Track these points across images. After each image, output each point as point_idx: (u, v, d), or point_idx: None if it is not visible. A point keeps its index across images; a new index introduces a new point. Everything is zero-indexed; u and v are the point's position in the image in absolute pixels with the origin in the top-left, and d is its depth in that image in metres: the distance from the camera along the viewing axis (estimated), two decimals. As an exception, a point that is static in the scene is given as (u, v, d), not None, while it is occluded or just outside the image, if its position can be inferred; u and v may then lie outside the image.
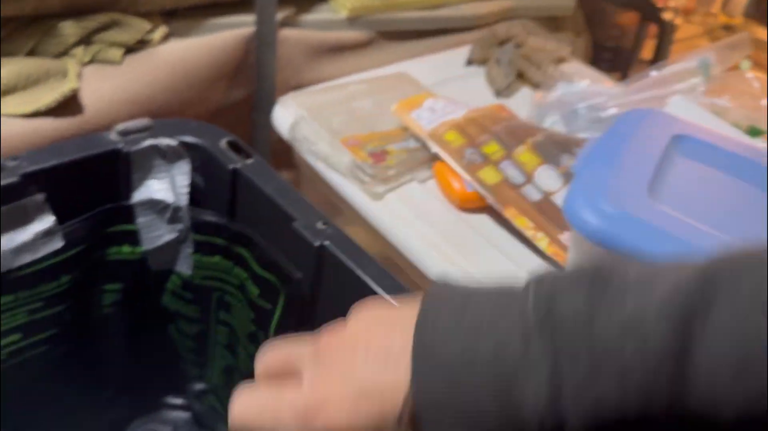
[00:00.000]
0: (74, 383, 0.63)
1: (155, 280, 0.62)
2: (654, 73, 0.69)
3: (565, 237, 0.55)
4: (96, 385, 0.66)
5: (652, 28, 1.33)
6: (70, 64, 0.61)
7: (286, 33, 0.76)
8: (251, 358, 0.60)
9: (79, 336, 0.60)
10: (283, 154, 0.76)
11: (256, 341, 0.58)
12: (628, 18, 1.37)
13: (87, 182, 0.55)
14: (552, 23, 1.07)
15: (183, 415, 0.73)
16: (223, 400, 0.67)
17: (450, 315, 0.26)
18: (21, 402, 0.59)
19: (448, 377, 0.25)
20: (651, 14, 1.31)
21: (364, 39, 0.83)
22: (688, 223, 0.39)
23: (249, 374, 0.61)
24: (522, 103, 0.75)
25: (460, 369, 0.25)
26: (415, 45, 0.87)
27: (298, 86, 0.78)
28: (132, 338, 0.65)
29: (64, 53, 0.63)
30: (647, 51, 1.36)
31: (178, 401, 0.73)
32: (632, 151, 0.45)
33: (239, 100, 0.78)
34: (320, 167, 0.62)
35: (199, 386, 0.69)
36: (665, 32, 1.34)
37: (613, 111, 0.69)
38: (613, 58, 1.35)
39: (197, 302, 0.62)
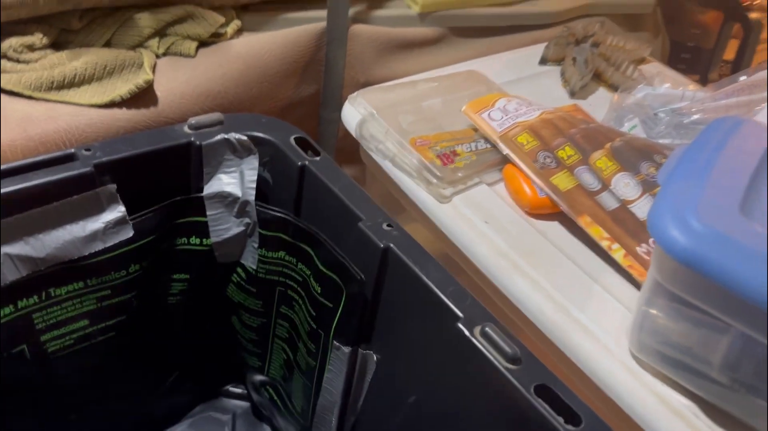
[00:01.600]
0: (139, 368, 0.64)
1: (221, 272, 0.62)
2: (743, 78, 0.65)
3: (642, 249, 0.53)
4: (159, 371, 0.67)
5: (736, 28, 1.26)
6: (146, 55, 0.62)
7: (357, 29, 0.75)
8: (310, 355, 0.60)
9: (146, 324, 0.61)
10: (349, 150, 0.76)
11: (316, 339, 0.58)
12: (711, 17, 1.30)
13: (158, 173, 0.56)
14: (630, 21, 1.02)
15: (242, 404, 0.74)
16: (281, 393, 0.67)
17: None
18: (88, 384, 0.61)
19: None
20: (735, 13, 1.24)
21: (436, 36, 0.81)
22: (784, 245, 0.36)
23: (306, 370, 0.61)
24: (598, 105, 0.72)
25: None
26: (487, 42, 0.85)
27: (366, 83, 0.78)
28: (196, 327, 0.66)
29: (139, 45, 0.64)
30: (729, 52, 1.29)
31: (238, 390, 0.74)
32: (723, 164, 0.42)
33: (308, 96, 0.77)
34: (387, 165, 0.61)
35: (258, 377, 0.69)
36: (750, 33, 1.27)
37: (697, 117, 0.65)
38: (693, 59, 1.28)
39: (260, 295, 0.62)
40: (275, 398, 0.69)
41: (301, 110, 0.77)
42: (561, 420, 0.40)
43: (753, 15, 1.29)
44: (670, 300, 0.43)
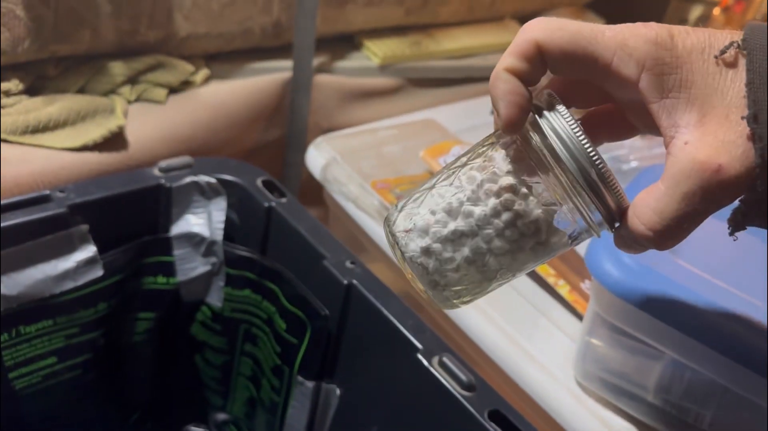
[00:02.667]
0: (102, 408, 0.65)
1: (186, 310, 0.64)
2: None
3: (585, 285, 0.57)
4: (122, 411, 0.67)
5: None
6: (118, 101, 0.65)
7: (321, 78, 0.80)
8: (274, 390, 0.62)
9: (111, 362, 0.62)
10: (312, 191, 0.79)
11: (280, 374, 0.60)
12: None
13: (129, 214, 0.58)
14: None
15: (204, 445, 0.74)
16: (244, 431, 0.69)
17: None
18: (53, 422, 0.61)
19: None
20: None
21: (394, 85, 0.86)
22: (709, 281, 0.40)
23: (270, 406, 0.62)
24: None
25: None
26: (443, 92, 0.90)
27: (329, 128, 0.82)
28: (160, 365, 0.67)
29: (111, 91, 0.67)
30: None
31: (199, 430, 0.75)
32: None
33: (273, 140, 0.81)
34: (350, 207, 0.64)
35: (221, 416, 0.70)
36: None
37: (635, 164, 0.71)
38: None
39: (225, 333, 0.64)
40: (238, 436, 0.70)
41: (267, 153, 0.80)
42: (512, 443, 0.43)
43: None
44: (609, 330, 0.47)
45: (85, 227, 0.54)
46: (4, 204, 0.52)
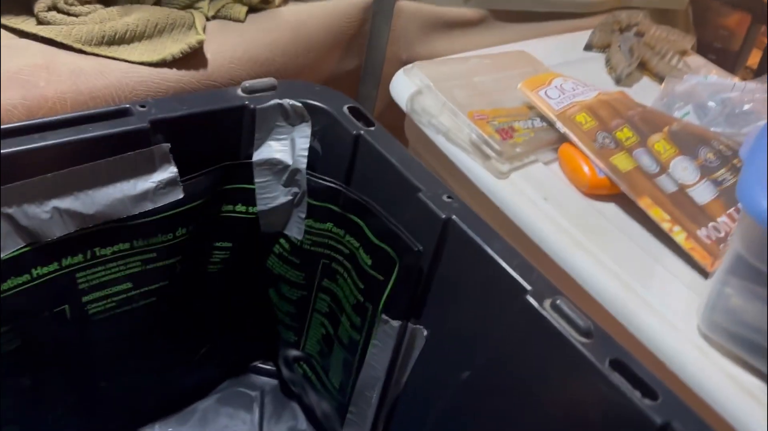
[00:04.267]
0: (172, 339, 0.63)
1: (264, 242, 0.61)
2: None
3: (702, 233, 0.52)
4: (192, 342, 0.65)
5: (763, 32, 1.26)
6: (197, 16, 0.61)
7: (403, 5, 0.74)
8: (354, 328, 0.58)
9: (185, 291, 0.59)
10: (386, 128, 0.75)
11: (362, 312, 0.57)
12: (737, 19, 1.31)
13: (210, 136, 0.54)
14: (662, 17, 1.02)
15: (271, 381, 0.72)
16: (316, 369, 0.66)
17: None
18: (122, 352, 0.59)
19: None
20: (762, 16, 1.24)
21: (477, 17, 0.80)
22: None
23: (348, 344, 0.59)
24: (643, 93, 0.72)
25: None
26: (527, 27, 0.84)
27: (408, 61, 0.76)
28: (233, 298, 0.64)
29: (190, 6, 0.62)
30: (752, 58, 1.29)
31: (268, 367, 0.73)
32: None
33: (348, 71, 0.76)
34: (440, 140, 0.60)
35: (293, 352, 0.68)
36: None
37: (748, 107, 0.65)
38: (718, 60, 1.28)
39: (303, 267, 0.61)
40: (309, 374, 0.67)
41: (342, 85, 0.75)
42: (638, 394, 0.39)
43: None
44: (746, 279, 0.42)
45: (166, 146, 0.51)
46: (81, 116, 0.49)
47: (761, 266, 0.40)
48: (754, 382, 0.43)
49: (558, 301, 0.43)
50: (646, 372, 0.41)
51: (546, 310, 0.44)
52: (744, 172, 0.39)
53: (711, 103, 0.65)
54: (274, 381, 0.73)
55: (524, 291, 0.45)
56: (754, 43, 1.30)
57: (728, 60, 1.31)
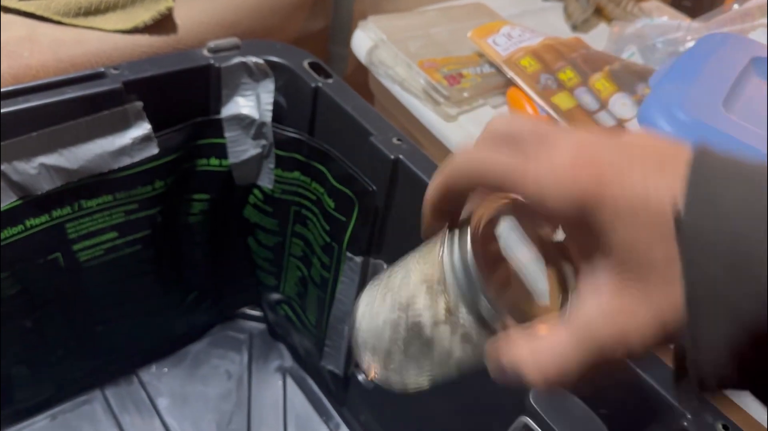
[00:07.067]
0: (161, 286, 0.68)
1: (239, 193, 0.66)
2: (736, 6, 0.67)
3: (635, 162, 0.56)
4: (180, 290, 0.71)
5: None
6: (166, -15, 0.65)
7: (366, -37, 0.78)
8: (324, 267, 0.64)
9: (169, 241, 0.65)
10: (357, 86, 0.79)
11: (329, 252, 0.62)
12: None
13: (180, 94, 0.59)
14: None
15: (258, 326, 0.78)
16: (296, 309, 0.71)
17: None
18: (115, 297, 0.65)
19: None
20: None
21: (442, -27, 0.83)
22: (760, 134, 0.39)
23: (320, 283, 0.65)
24: (599, 39, 0.75)
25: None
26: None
27: (374, 18, 0.80)
28: (215, 247, 0.70)
29: (158, -24, 0.67)
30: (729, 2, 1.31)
31: (255, 312, 0.78)
32: (709, 70, 0.45)
33: (316, 31, 0.80)
34: (396, 90, 0.64)
35: (274, 296, 0.73)
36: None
37: (692, 45, 0.68)
38: (693, 7, 1.30)
39: (276, 215, 0.66)
40: (290, 315, 0.73)
41: (310, 45, 0.79)
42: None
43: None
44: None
45: (139, 104, 0.55)
46: (60, 80, 0.54)
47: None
48: None
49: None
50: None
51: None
52: (646, 99, 0.43)
53: (658, 44, 0.69)
54: (261, 326, 0.78)
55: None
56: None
57: (704, 6, 1.32)
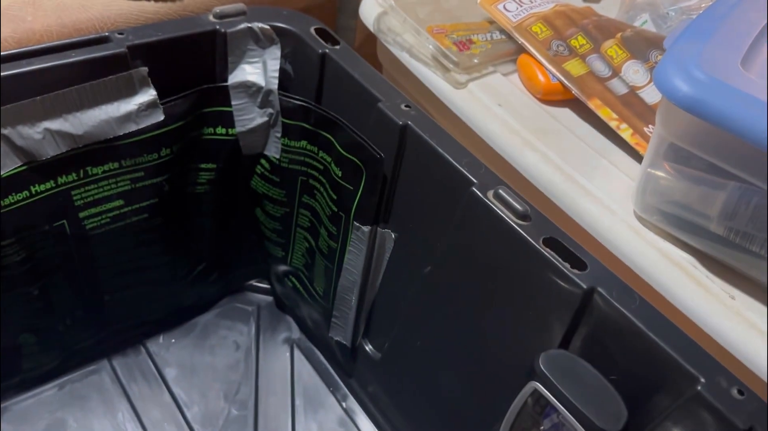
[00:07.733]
0: (170, 255, 0.68)
1: (246, 163, 0.65)
2: (755, -27, 0.66)
3: (649, 129, 0.55)
4: (188, 260, 0.71)
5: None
6: (171, -49, 0.64)
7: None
8: (332, 238, 0.63)
9: (176, 210, 0.64)
10: (364, 58, 0.78)
11: (337, 222, 0.61)
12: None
13: (186, 60, 0.58)
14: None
15: (266, 298, 0.78)
16: (303, 281, 0.71)
17: None
18: (122, 266, 0.65)
19: None
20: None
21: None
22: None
23: (328, 254, 0.64)
24: (610, 8, 0.74)
25: None
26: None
27: (383, -12, 0.79)
28: (222, 217, 0.69)
29: (164, -58, 0.66)
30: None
31: (262, 285, 0.78)
32: (727, 29, 0.44)
33: (323, 1, 0.79)
34: (404, 57, 0.63)
35: (282, 267, 0.73)
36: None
37: (707, 13, 0.67)
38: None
39: (283, 185, 0.66)
40: (298, 286, 0.72)
41: (318, 16, 0.78)
42: (567, 265, 0.43)
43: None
44: (674, 157, 0.46)
45: (144, 69, 0.55)
46: (64, 43, 0.53)
47: (682, 145, 0.43)
48: (682, 255, 0.47)
49: (500, 190, 0.47)
50: (578, 247, 0.45)
51: (489, 199, 0.48)
52: (662, 58, 0.42)
53: (671, 12, 0.67)
54: (269, 298, 0.78)
55: (471, 183, 0.49)
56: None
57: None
